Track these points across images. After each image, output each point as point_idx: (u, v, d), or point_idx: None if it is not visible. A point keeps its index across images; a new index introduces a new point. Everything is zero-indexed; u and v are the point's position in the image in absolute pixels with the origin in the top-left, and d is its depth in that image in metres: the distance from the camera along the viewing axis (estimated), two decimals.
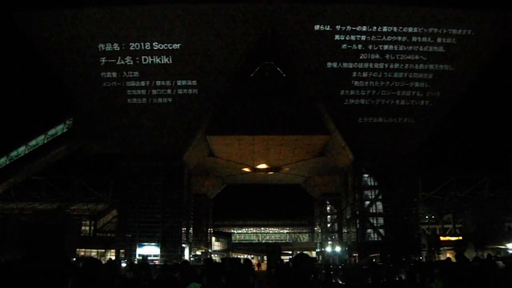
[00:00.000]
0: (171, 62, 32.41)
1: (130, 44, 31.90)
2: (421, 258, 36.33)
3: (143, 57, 32.36)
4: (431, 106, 34.73)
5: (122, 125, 35.27)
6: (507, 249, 35.93)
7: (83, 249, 41.82)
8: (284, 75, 38.40)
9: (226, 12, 31.15)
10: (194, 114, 34.30)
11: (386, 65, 33.12)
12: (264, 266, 38.44)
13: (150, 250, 34.99)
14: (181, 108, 34.07)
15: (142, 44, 31.84)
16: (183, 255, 36.40)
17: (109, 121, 35.52)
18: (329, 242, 53.65)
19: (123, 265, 23.30)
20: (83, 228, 46.78)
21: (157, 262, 31.49)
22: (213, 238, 57.71)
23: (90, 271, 5.14)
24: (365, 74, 33.23)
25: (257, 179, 54.45)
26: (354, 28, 31.60)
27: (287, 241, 70.69)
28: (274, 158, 44.11)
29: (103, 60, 32.54)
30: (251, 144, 39.80)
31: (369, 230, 37.18)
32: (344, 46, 32.21)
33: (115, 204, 46.37)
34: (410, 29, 31.92)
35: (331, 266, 34.05)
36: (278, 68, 38.42)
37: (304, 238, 72.37)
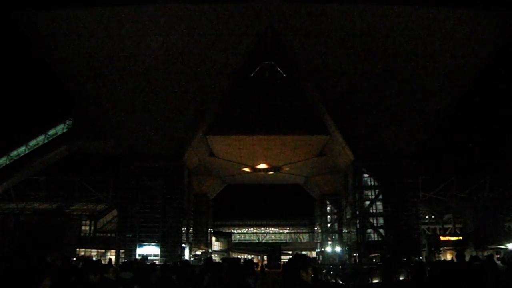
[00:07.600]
0: (171, 62, 32.39)
1: (130, 44, 31.89)
2: (421, 258, 36.33)
3: (143, 57, 32.35)
4: (431, 106, 34.71)
5: (122, 125, 35.26)
6: (507, 249, 35.89)
7: (83, 249, 41.82)
8: (284, 75, 38.43)
9: (226, 12, 31.11)
10: (194, 114, 34.29)
11: (387, 65, 33.07)
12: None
13: (150, 250, 35.00)
14: (181, 108, 34.07)
15: (142, 44, 31.83)
16: (183, 255, 36.41)
17: (109, 121, 35.52)
18: (329, 242, 53.69)
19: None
20: (83, 228, 46.79)
21: (157, 262, 31.50)
22: (213, 238, 57.72)
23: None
24: (365, 74, 33.18)
25: (257, 179, 54.44)
26: (354, 28, 31.56)
27: (287, 241, 70.56)
28: (274, 158, 44.10)
29: (103, 60, 32.51)
30: (251, 144, 39.81)
31: (369, 230, 37.19)
32: (344, 46, 32.18)
33: (115, 204, 46.36)
34: (411, 29, 31.87)
35: (331, 266, 34.11)
36: (278, 68, 38.47)
37: (304, 238, 72.32)
